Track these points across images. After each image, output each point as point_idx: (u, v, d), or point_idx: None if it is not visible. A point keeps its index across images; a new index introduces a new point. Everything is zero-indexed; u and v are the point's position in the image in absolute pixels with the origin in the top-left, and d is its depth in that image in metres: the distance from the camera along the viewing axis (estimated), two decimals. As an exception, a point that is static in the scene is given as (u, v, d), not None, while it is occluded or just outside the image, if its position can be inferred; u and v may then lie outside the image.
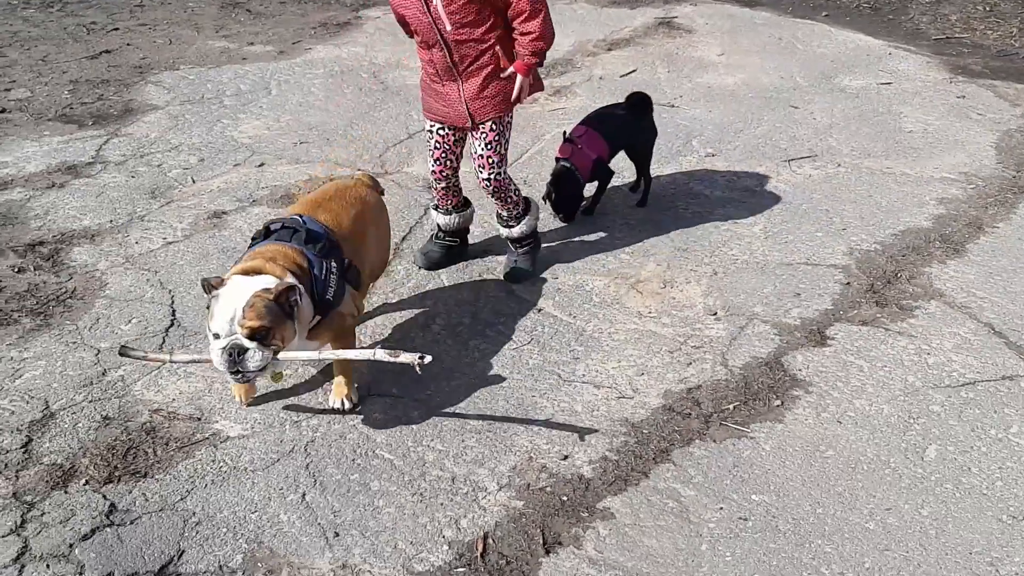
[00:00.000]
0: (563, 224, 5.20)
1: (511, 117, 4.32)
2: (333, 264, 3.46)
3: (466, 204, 4.79)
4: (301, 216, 3.58)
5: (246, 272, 3.32)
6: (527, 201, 4.68)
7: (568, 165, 4.98)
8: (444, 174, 4.52)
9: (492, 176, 4.35)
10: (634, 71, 7.48)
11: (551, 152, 6.11)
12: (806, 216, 5.27)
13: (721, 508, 3.21)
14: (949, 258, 4.85)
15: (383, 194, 4.27)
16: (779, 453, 3.46)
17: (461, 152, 4.50)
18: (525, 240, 4.68)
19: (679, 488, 3.31)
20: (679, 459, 3.45)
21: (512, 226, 4.62)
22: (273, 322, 3.15)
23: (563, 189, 5.00)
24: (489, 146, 4.28)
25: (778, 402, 3.75)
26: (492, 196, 4.49)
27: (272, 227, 3.55)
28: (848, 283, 4.61)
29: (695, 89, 7.14)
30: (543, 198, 5.08)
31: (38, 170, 5.77)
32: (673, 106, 6.82)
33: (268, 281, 3.23)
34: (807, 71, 7.49)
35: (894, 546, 3.03)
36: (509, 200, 4.51)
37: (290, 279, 3.27)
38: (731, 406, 3.73)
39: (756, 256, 4.86)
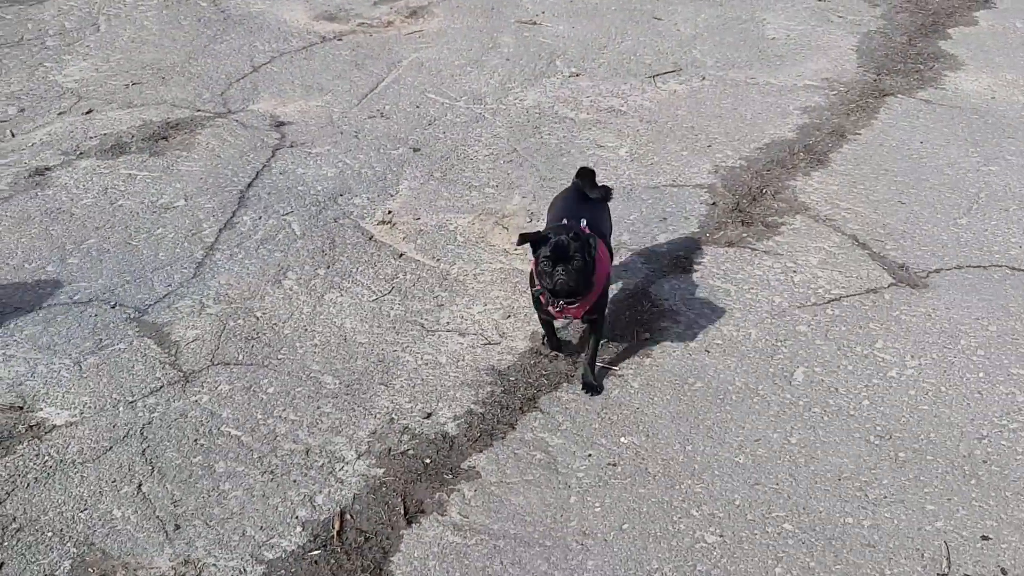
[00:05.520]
0: (414, 151, 4.91)
1: None
2: None
3: None
4: None
5: None
6: None
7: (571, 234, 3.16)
8: None
9: None
10: (494, -13, 7.12)
11: (408, 80, 5.76)
12: (671, 135, 5.13)
13: (589, 455, 3.08)
14: (813, 169, 4.80)
15: None
16: (647, 390, 3.36)
17: None
18: None
19: (546, 437, 3.16)
20: (546, 405, 3.30)
21: None
22: None
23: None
24: None
25: (646, 335, 3.63)
26: None
27: None
28: (714, 203, 4.50)
29: (557, 4, 6.84)
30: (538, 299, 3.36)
31: None
32: (535, 23, 6.52)
33: None
34: (671, -20, 7.28)
35: (764, 479, 2.98)
36: None
37: None
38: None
39: (622, 181, 4.70)
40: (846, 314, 3.74)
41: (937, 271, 4.01)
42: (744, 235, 4.25)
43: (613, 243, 3.81)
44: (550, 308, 3.26)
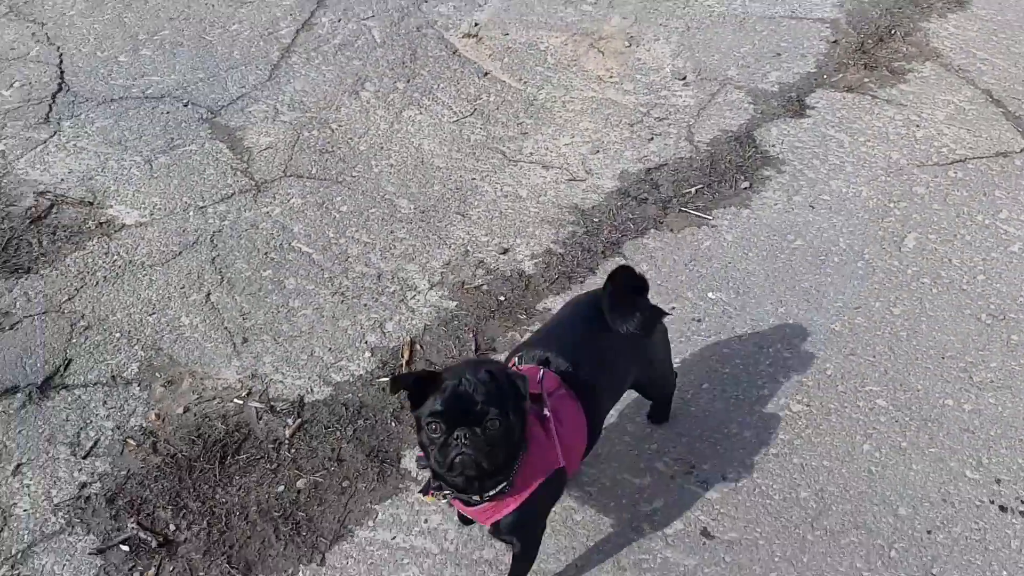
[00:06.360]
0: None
1: None
2: None
3: None
4: None
5: None
6: None
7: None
8: None
9: None
10: None
11: None
12: (795, -41, 4.59)
13: (673, 307, 2.89)
14: (951, 11, 4.27)
15: None
16: (742, 244, 3.12)
17: None
18: None
19: (630, 284, 2.97)
20: (630, 252, 3.09)
21: None
22: None
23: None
24: None
25: (746, 184, 3.35)
26: None
27: None
28: (835, 41, 4.06)
29: None
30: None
31: None
32: None
33: None
34: None
35: (860, 350, 2.77)
36: None
37: None
38: (693, 189, 3.32)
39: (735, 7, 4.25)
40: (970, 178, 3.39)
41: (1079, 138, 3.59)
42: (866, 80, 3.83)
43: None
44: (437, 494, 1.93)
